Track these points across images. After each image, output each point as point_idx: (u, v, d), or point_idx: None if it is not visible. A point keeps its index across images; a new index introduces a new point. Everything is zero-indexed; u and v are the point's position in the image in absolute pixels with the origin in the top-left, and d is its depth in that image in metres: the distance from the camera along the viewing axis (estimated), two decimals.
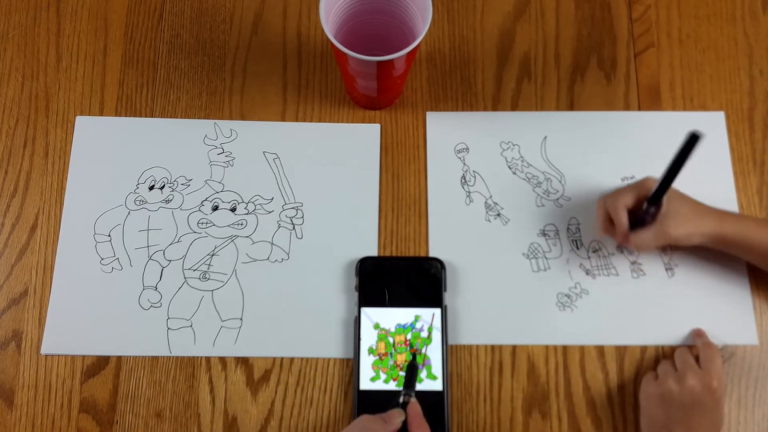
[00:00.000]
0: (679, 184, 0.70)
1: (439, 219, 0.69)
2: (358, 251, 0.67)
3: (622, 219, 0.62)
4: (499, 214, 0.69)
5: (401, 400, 0.57)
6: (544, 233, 0.69)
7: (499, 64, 0.74)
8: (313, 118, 0.72)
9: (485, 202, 0.70)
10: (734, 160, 0.71)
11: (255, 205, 0.69)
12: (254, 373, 0.65)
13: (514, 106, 0.73)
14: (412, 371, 0.59)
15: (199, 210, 0.69)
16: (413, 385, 0.59)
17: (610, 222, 0.64)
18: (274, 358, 0.65)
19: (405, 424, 0.56)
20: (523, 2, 0.76)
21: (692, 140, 0.54)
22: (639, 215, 0.62)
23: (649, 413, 0.61)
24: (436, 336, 0.64)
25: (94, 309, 0.66)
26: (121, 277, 0.67)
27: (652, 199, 0.60)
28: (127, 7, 0.76)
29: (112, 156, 0.71)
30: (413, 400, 0.57)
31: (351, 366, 0.65)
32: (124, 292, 0.66)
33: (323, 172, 0.70)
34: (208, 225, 0.69)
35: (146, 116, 0.72)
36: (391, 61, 0.58)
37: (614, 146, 0.71)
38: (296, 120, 0.72)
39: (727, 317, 0.66)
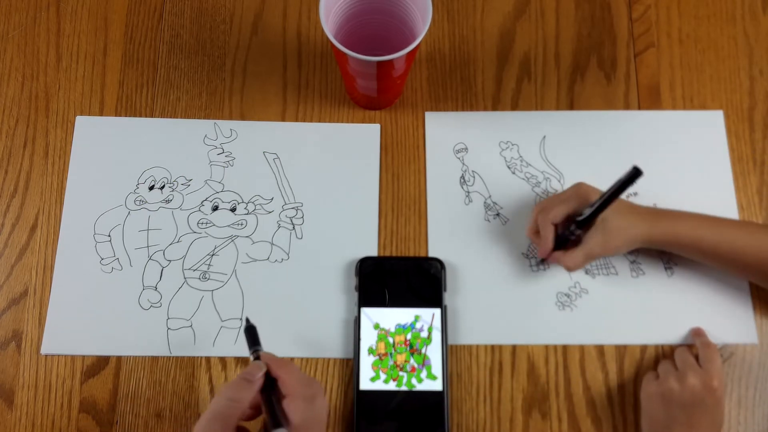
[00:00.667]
0: (678, 184, 0.70)
1: (439, 219, 0.69)
2: (358, 251, 0.67)
3: (548, 238, 0.62)
4: (498, 214, 0.69)
5: (252, 357, 0.54)
6: None
7: (499, 64, 0.74)
8: (313, 118, 0.72)
9: (484, 202, 0.70)
10: (734, 160, 0.71)
11: (255, 205, 0.69)
12: None
13: (514, 106, 0.73)
14: (251, 332, 0.55)
15: (199, 210, 0.69)
16: (258, 341, 0.55)
17: (538, 231, 0.64)
18: None
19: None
20: (523, 2, 0.76)
21: (634, 174, 0.55)
22: (565, 234, 0.62)
23: (650, 413, 0.61)
24: (436, 336, 0.64)
25: (94, 309, 0.66)
26: (121, 277, 0.67)
27: (580, 224, 0.60)
28: (127, 7, 0.76)
29: (112, 156, 0.71)
30: (263, 352, 0.54)
31: (351, 366, 0.65)
32: (124, 292, 0.66)
33: (323, 172, 0.70)
34: (208, 225, 0.69)
35: (146, 116, 0.72)
36: (391, 61, 0.58)
37: (613, 145, 0.71)
38: (296, 120, 0.72)
39: (727, 316, 0.66)
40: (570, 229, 0.61)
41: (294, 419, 0.49)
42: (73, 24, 0.75)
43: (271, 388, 0.51)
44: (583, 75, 0.74)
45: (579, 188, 0.62)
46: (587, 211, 0.60)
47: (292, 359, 0.65)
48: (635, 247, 0.62)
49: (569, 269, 0.61)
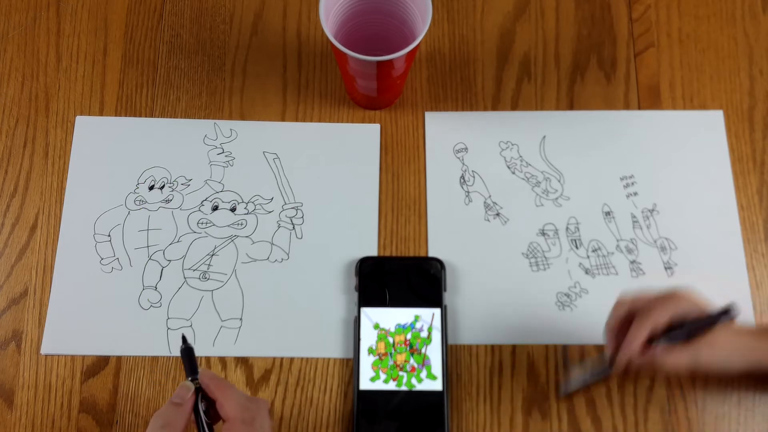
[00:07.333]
0: (678, 184, 0.70)
1: (439, 219, 0.69)
2: (358, 251, 0.67)
3: (639, 342, 0.54)
4: (498, 214, 0.69)
5: (190, 380, 0.52)
6: (543, 233, 0.69)
7: (499, 64, 0.74)
8: (313, 118, 0.72)
9: (484, 202, 0.70)
10: (734, 160, 0.71)
11: (255, 205, 0.69)
12: (254, 373, 0.65)
13: (514, 106, 0.73)
14: (188, 354, 0.52)
15: (199, 210, 0.69)
16: (196, 369, 0.52)
17: (622, 327, 0.56)
18: (274, 358, 0.65)
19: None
20: (523, 2, 0.76)
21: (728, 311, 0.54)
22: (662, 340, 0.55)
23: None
24: (436, 336, 0.64)
25: (94, 309, 0.66)
26: (121, 277, 0.67)
27: (689, 336, 0.55)
28: (127, 7, 0.76)
29: (112, 156, 0.71)
30: (202, 371, 0.52)
31: (351, 366, 0.65)
32: (124, 292, 0.66)
33: (323, 172, 0.70)
34: (208, 225, 0.69)
35: (146, 116, 0.72)
36: (391, 61, 0.58)
37: (613, 145, 0.71)
38: (296, 120, 0.72)
39: None
40: (657, 341, 0.55)
41: None
42: (73, 24, 0.75)
43: (207, 410, 0.50)
44: (583, 75, 0.74)
45: (678, 301, 0.55)
46: (678, 334, 0.54)
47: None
48: (741, 371, 0.56)
49: (664, 369, 0.55)
